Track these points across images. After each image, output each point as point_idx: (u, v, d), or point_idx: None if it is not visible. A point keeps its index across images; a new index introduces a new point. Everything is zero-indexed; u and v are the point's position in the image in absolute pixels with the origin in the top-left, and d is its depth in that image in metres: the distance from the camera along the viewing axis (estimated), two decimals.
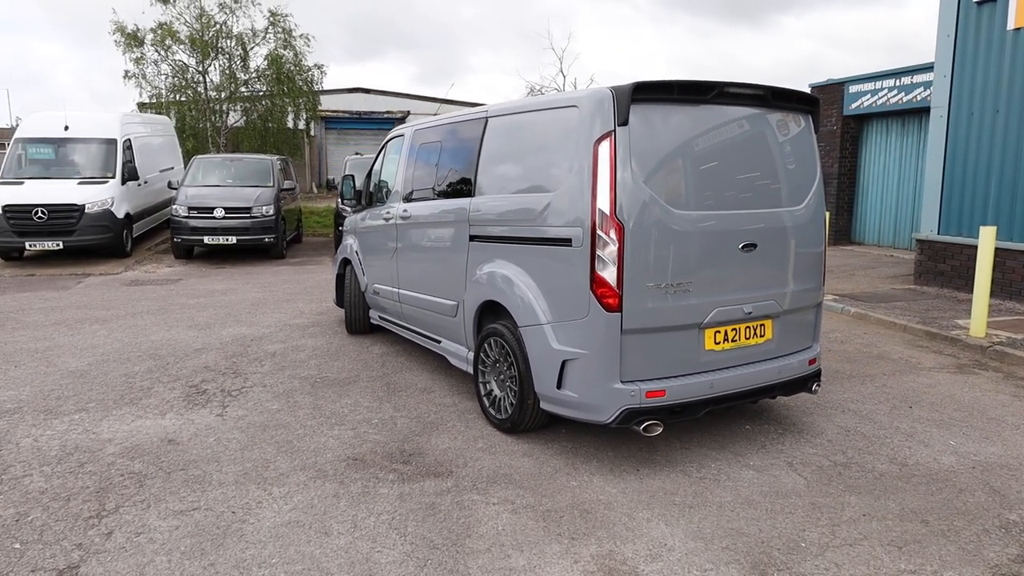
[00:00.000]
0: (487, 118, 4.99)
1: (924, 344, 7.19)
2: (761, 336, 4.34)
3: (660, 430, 3.97)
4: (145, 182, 14.71)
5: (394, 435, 4.69)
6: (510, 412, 4.56)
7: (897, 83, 13.28)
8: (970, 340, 6.98)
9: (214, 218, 12.85)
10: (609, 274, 3.83)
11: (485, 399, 4.86)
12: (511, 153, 4.75)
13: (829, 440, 4.61)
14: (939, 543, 3.37)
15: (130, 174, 13.84)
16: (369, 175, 6.98)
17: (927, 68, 12.70)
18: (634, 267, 3.85)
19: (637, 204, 3.84)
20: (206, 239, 12.87)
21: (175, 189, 13.59)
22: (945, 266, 9.66)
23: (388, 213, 6.33)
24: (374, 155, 7.20)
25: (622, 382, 3.92)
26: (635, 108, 3.86)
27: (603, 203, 3.82)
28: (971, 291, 9.20)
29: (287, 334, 7.51)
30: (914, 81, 12.95)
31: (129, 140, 14.32)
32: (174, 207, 13.04)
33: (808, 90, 15.04)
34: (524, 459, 4.29)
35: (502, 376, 4.67)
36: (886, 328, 7.90)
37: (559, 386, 4.11)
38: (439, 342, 5.69)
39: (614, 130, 3.82)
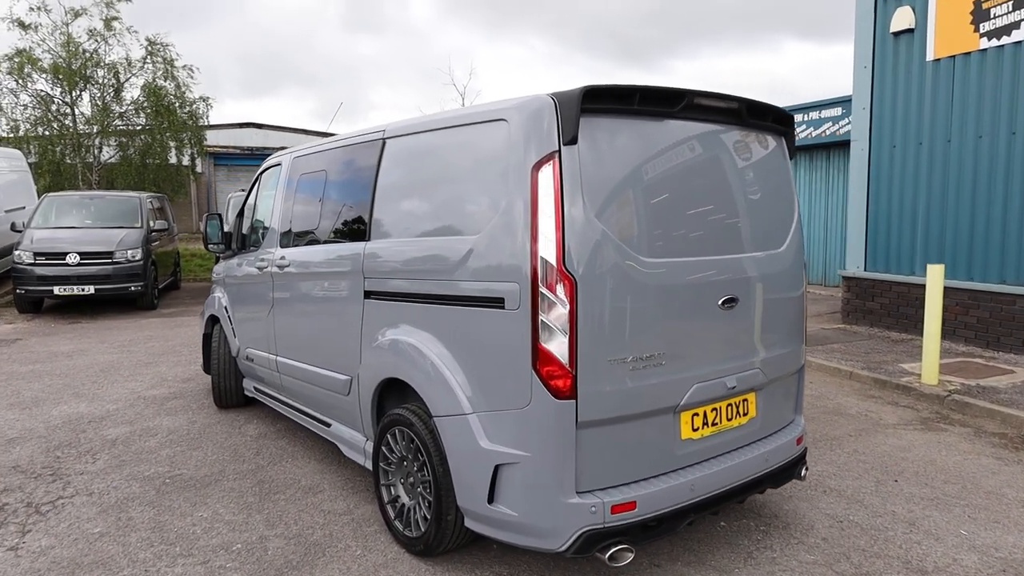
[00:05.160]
0: (384, 139, 3.88)
1: (877, 394, 6.55)
2: (744, 414, 3.40)
3: (631, 556, 2.91)
4: None
5: (262, 569, 3.40)
6: (424, 529, 3.38)
7: (805, 118, 13.19)
8: (924, 389, 6.39)
9: (67, 265, 10.98)
10: (558, 346, 2.78)
11: (389, 508, 3.66)
12: (417, 184, 3.66)
13: (823, 538, 3.70)
14: None
15: None
16: (241, 214, 5.70)
17: (835, 103, 12.67)
18: (591, 336, 2.82)
19: (593, 251, 2.83)
20: (56, 290, 10.95)
21: (19, 232, 11.62)
22: (874, 304, 9.26)
23: (263, 260, 5.07)
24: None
25: (579, 494, 2.85)
26: (584, 121, 2.87)
27: (547, 250, 2.79)
28: (903, 330, 8.82)
29: (138, 411, 6.01)
30: (822, 116, 12.89)
31: None
32: (16, 253, 11.05)
33: None
34: None
35: (412, 479, 3.50)
36: (830, 375, 7.26)
37: (491, 500, 3.00)
38: (329, 425, 4.45)
39: (559, 151, 2.82)
